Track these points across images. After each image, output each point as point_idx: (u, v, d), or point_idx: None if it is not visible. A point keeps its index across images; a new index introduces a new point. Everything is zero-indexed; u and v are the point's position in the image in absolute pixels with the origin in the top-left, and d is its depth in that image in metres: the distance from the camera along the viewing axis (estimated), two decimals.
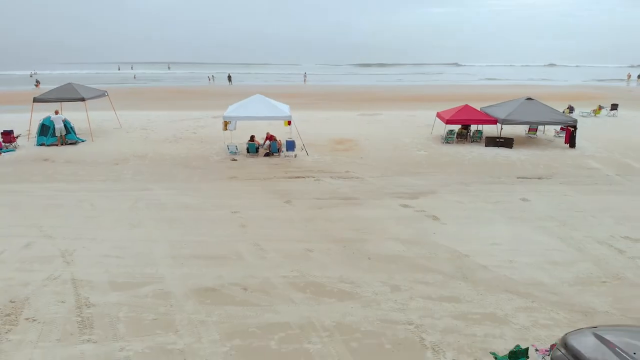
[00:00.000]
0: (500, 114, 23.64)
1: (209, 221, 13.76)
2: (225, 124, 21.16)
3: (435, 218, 13.97)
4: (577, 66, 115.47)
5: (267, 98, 22.53)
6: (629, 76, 76.51)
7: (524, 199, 15.78)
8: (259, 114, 21.13)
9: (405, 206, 15.04)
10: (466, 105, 24.34)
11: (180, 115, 32.59)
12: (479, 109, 25.25)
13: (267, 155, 21.42)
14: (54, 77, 75.52)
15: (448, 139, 23.96)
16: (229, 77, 67.22)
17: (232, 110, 21.66)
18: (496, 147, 23.07)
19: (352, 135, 25.91)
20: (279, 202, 15.57)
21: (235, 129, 22.49)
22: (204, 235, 12.69)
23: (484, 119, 23.70)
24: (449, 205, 15.22)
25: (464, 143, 24.05)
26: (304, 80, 71.13)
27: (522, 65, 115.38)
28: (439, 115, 25.15)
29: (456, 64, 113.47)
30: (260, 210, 14.70)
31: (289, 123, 21.31)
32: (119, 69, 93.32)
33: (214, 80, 69.89)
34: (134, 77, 78.33)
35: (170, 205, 15.15)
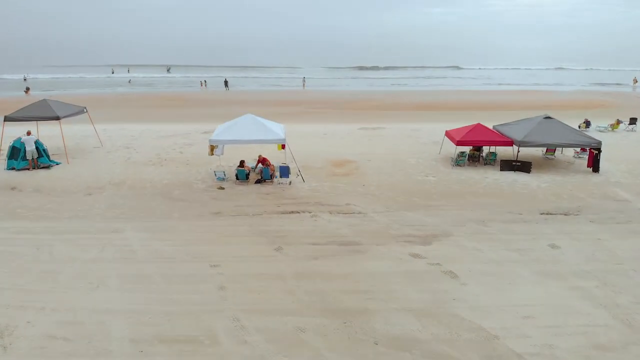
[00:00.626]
0: (516, 134, 21.49)
1: (183, 279, 11.63)
2: (212, 148, 19.01)
3: (453, 275, 11.83)
4: (587, 69, 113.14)
5: (258, 118, 20.38)
6: (635, 81, 74.35)
7: (552, 246, 13.64)
8: (250, 137, 18.98)
9: (416, 256, 12.90)
10: (478, 125, 22.20)
11: (168, 130, 30.42)
12: (491, 128, 23.15)
13: (258, 182, 19.30)
14: (45, 82, 73.36)
15: (459, 161, 21.82)
16: (226, 82, 65.04)
17: (219, 133, 19.49)
18: (512, 172, 20.96)
19: (353, 156, 23.77)
20: (268, 248, 13.43)
21: (222, 153, 20.34)
22: (174, 303, 10.53)
23: (499, 140, 21.56)
24: (467, 254, 13.07)
25: (476, 166, 21.93)
26: (303, 85, 68.98)
27: (526, 69, 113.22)
28: (448, 135, 23.02)
29: (457, 67, 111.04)
30: (245, 262, 12.55)
31: (283, 147, 19.19)
32: (112, 72, 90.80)
33: (206, 85, 67.65)
34: (129, 82, 76.02)
35: (140, 255, 13.01)
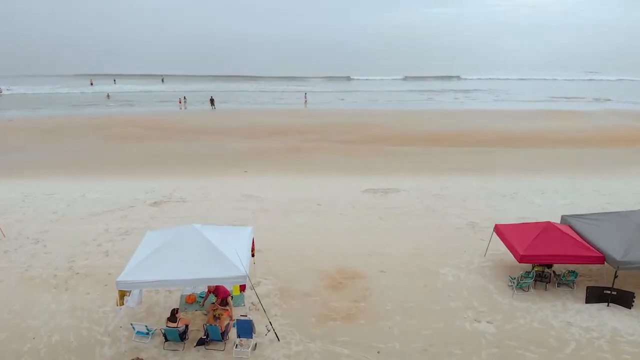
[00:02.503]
0: (607, 242, 13.92)
1: None
2: (121, 295, 11.51)
3: None
4: (619, 79, 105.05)
5: (208, 229, 12.81)
6: None
7: None
8: (185, 275, 11.43)
9: None
10: (548, 225, 14.64)
11: (110, 196, 22.73)
12: (558, 224, 15.73)
13: (201, 343, 11.87)
14: (12, 97, 66.20)
15: (522, 284, 14.34)
16: (212, 101, 57.55)
17: (136, 267, 11.73)
18: (605, 305, 13.49)
19: (359, 258, 16.18)
20: None
21: (141, 301, 12.97)
22: None
23: (584, 255, 13.98)
24: None
25: (545, 288, 14.43)
26: (304, 102, 61.34)
27: (538, 79, 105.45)
28: (500, 234, 15.38)
29: (458, 77, 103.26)
30: None
31: (243, 289, 11.71)
32: (91, 84, 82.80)
33: (186, 103, 59.97)
34: (107, 97, 68.50)
35: None
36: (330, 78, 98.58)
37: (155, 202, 21.58)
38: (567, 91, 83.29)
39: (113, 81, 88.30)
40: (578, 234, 15.00)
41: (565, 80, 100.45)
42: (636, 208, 20.07)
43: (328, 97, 68.91)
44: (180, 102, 59.39)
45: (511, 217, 19.88)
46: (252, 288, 13.17)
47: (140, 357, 11.25)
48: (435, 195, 22.60)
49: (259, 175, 27.31)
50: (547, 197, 22.70)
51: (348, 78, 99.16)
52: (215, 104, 56.56)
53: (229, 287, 11.99)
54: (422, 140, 37.56)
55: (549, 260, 13.85)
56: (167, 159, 31.01)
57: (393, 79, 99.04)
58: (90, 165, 29.41)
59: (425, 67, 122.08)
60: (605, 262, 13.75)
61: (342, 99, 66.65)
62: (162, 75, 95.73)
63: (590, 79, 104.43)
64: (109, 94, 70.44)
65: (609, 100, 67.97)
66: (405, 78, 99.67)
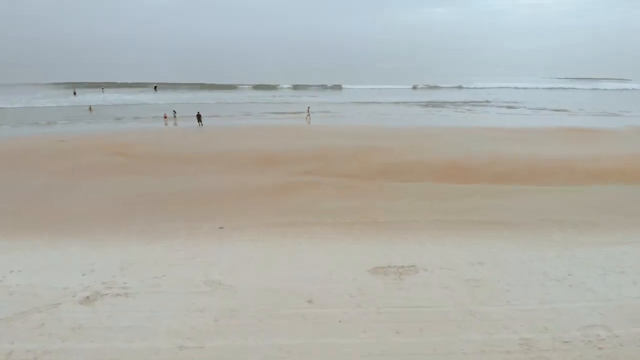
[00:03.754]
0: None
1: None
2: None
3: None
4: (624, 89, 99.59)
5: None
6: None
7: None
8: None
9: None
10: None
11: (31, 279, 16.86)
12: None
13: None
14: None
15: None
16: (199, 117, 52.11)
17: None
18: None
19: None
20: None
21: None
22: None
23: None
24: None
25: None
26: (307, 118, 55.74)
27: (548, 88, 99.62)
28: None
29: (459, 87, 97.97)
30: None
31: None
32: (74, 94, 77.43)
33: (175, 119, 54.56)
34: (90, 110, 63.19)
35: None
36: (335, 86, 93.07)
37: (88, 297, 15.89)
38: (582, 101, 78.42)
39: (101, 90, 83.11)
40: None
41: (574, 88, 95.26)
42: None
43: (331, 109, 63.39)
44: (165, 117, 54.10)
45: (574, 325, 14.14)
46: None
47: None
48: (468, 282, 16.76)
49: (237, 232, 21.65)
50: (611, 282, 16.83)
51: (340, 87, 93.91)
52: (202, 120, 51.23)
53: None
54: (433, 173, 31.95)
55: None
56: (126, 208, 25.39)
57: (400, 88, 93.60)
58: (18, 223, 23.55)
59: (425, 73, 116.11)
60: None
61: (339, 113, 61.04)
62: (155, 84, 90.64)
63: (614, 89, 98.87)
64: (91, 107, 65.14)
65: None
66: (405, 89, 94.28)
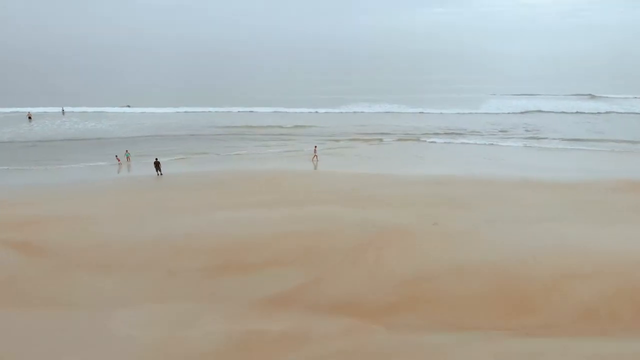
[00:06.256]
0: None
1: None
2: None
3: None
4: (625, 98, 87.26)
5: None
6: None
7: None
8: None
9: None
10: None
11: None
12: None
13: None
14: None
15: None
16: (157, 165, 40.45)
17: None
18: None
19: None
20: None
21: None
22: None
23: None
24: None
25: None
26: (313, 158, 43.96)
27: (552, 95, 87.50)
28: None
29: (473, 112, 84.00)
30: None
31: None
32: (30, 118, 67.06)
33: (129, 162, 43.12)
34: (29, 118, 51.73)
35: None
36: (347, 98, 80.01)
37: None
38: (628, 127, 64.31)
39: (61, 111, 71.80)
40: None
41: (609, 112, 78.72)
42: None
43: (340, 148, 51.32)
44: (119, 161, 42.65)
45: None
46: None
47: None
48: None
49: None
50: None
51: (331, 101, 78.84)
52: (161, 169, 39.51)
53: None
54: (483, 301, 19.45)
55: None
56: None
57: (383, 98, 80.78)
58: None
59: (425, 81, 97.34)
60: None
61: (369, 156, 48.60)
62: (127, 104, 79.17)
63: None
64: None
65: None
66: (399, 104, 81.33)
